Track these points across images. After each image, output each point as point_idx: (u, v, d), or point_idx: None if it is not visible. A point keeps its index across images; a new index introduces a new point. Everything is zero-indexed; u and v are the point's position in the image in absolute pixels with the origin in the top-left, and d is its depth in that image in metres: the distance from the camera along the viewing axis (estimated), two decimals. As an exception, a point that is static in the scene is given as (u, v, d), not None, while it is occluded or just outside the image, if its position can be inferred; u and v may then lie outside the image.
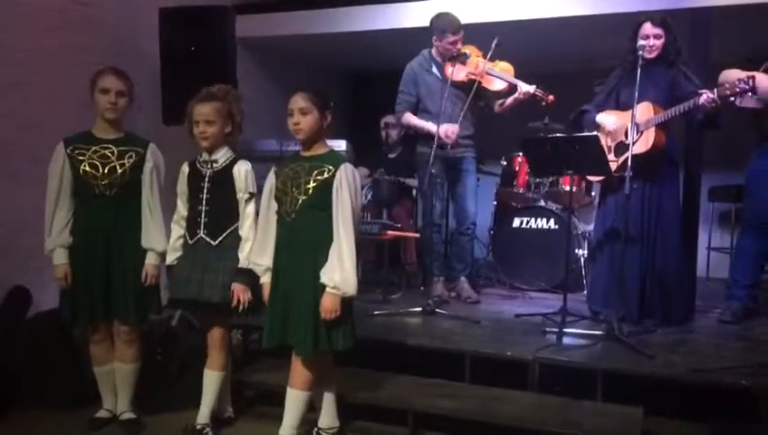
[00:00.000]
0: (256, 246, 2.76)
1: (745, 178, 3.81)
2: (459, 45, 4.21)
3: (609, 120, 3.75)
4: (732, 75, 3.51)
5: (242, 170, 2.85)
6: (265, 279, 2.73)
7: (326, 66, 6.53)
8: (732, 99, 3.36)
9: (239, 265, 2.79)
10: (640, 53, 3.53)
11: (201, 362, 2.96)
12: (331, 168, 2.60)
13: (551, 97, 4.10)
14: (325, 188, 2.58)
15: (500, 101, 4.32)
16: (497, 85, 4.22)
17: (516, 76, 4.24)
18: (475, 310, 4.17)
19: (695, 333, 3.66)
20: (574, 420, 2.79)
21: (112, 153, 2.93)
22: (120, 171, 2.92)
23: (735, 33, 3.88)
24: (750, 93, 3.29)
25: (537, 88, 4.12)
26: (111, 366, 3.04)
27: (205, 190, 2.85)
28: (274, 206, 2.70)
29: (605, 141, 3.70)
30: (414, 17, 4.80)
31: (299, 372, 2.65)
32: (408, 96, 4.32)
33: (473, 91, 4.07)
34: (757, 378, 2.82)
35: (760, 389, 2.78)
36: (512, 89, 4.20)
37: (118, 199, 2.93)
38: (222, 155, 2.88)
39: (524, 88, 4.13)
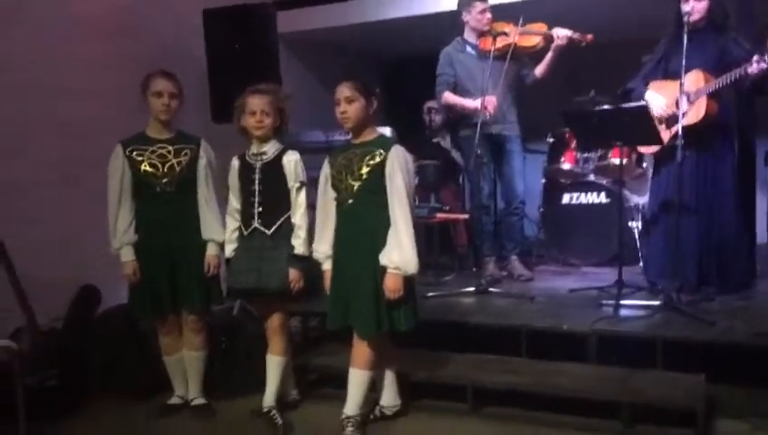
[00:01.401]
0: (317, 233, 2.85)
1: None
2: (489, 15, 4.20)
3: (656, 99, 3.66)
4: None
5: (291, 160, 2.95)
6: (326, 266, 2.82)
7: (365, 56, 6.58)
8: None
9: (294, 252, 2.89)
10: (685, 19, 3.45)
11: (263, 348, 3.07)
12: (382, 151, 2.66)
13: (589, 36, 4.01)
14: (378, 171, 2.64)
15: (540, 65, 4.26)
16: (533, 40, 4.15)
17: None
18: (529, 287, 4.18)
19: (756, 299, 3.60)
20: (636, 389, 2.80)
21: (169, 152, 3.06)
22: (177, 169, 3.05)
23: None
24: None
25: (574, 31, 4.05)
26: (181, 355, 3.19)
27: (257, 182, 2.95)
28: (332, 194, 2.79)
29: (655, 117, 3.63)
30: (446, 1, 4.79)
31: (361, 352, 2.73)
32: (446, 77, 4.33)
33: (509, 54, 4.00)
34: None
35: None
36: (548, 41, 4.13)
37: (176, 196, 3.06)
38: (271, 147, 2.98)
39: (561, 33, 4.05)
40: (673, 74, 3.64)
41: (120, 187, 3.04)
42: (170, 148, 3.07)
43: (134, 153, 3.05)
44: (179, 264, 3.07)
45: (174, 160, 3.05)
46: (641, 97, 3.73)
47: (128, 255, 3.04)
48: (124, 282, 3.10)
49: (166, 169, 3.03)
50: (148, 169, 3.03)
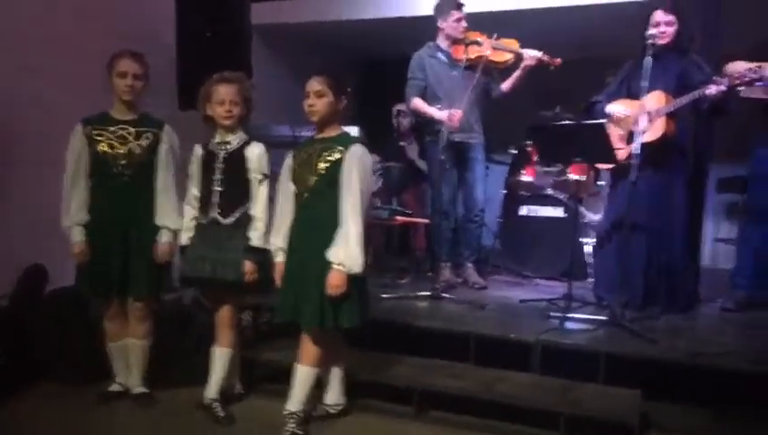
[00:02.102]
0: (273, 226, 2.85)
1: (749, 168, 3.82)
2: (465, 24, 4.26)
3: (618, 109, 3.77)
4: (738, 67, 3.53)
5: (255, 152, 2.94)
6: (279, 258, 2.82)
7: (338, 53, 6.58)
8: (739, 88, 3.38)
9: (251, 244, 2.88)
10: (650, 41, 3.54)
11: (211, 340, 3.05)
12: (341, 148, 2.67)
13: (557, 60, 4.14)
14: (336, 168, 2.65)
15: (507, 81, 4.34)
16: (504, 56, 4.25)
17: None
18: (482, 295, 4.23)
19: (697, 320, 3.71)
20: (575, 400, 2.86)
21: (130, 134, 3.02)
22: (137, 152, 3.01)
23: (745, 23, 3.88)
24: (758, 83, 3.31)
25: (544, 53, 4.15)
26: (125, 342, 3.14)
27: (218, 171, 2.93)
28: (292, 187, 2.79)
29: (616, 130, 3.73)
30: (425, 5, 4.83)
31: (307, 348, 2.73)
32: (417, 81, 4.36)
33: (480, 66, 4.10)
34: (757, 363, 2.86)
35: (759, 374, 2.82)
36: (518, 59, 4.23)
37: (134, 179, 3.02)
38: (236, 137, 2.96)
39: (531, 53, 4.17)
40: (635, 95, 3.73)
41: (75, 165, 3.00)
42: (132, 130, 3.03)
43: (94, 132, 3.00)
44: (130, 248, 3.02)
45: (134, 143, 3.01)
46: (603, 110, 3.81)
47: (77, 235, 2.99)
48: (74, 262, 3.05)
49: (124, 151, 2.99)
50: (106, 149, 2.98)
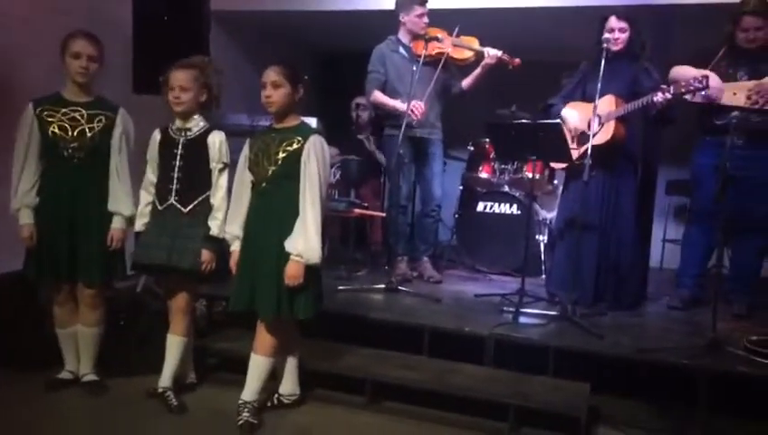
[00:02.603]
0: (229, 214, 2.82)
1: (690, 172, 3.96)
2: (426, 20, 4.28)
3: (572, 115, 3.84)
4: (683, 72, 3.65)
5: (216, 140, 2.91)
6: (235, 247, 2.80)
7: (299, 45, 6.55)
8: (685, 96, 3.50)
9: (210, 233, 2.85)
10: (605, 45, 3.64)
11: (164, 328, 3.01)
12: (300, 139, 2.67)
13: (517, 60, 4.19)
14: (294, 158, 2.65)
15: (467, 78, 4.39)
16: (465, 54, 4.28)
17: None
18: (437, 289, 4.27)
19: (644, 318, 3.83)
20: (525, 393, 2.93)
21: (82, 116, 2.95)
22: (89, 135, 2.94)
23: (696, 30, 4.02)
24: (702, 92, 3.42)
25: (504, 53, 4.21)
26: (75, 329, 3.07)
27: (178, 158, 2.89)
28: (248, 176, 2.77)
29: (568, 132, 3.82)
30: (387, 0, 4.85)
31: (263, 338, 2.73)
32: (377, 74, 4.36)
33: (441, 62, 4.13)
34: (698, 359, 2.98)
35: (700, 369, 2.93)
36: (478, 57, 4.27)
37: (86, 163, 2.95)
38: (195, 124, 2.92)
39: (492, 52, 4.20)
40: (590, 97, 3.82)
41: (26, 147, 2.92)
42: (84, 112, 2.96)
43: (44, 114, 2.93)
44: (81, 233, 2.96)
45: (86, 126, 2.94)
46: (558, 113, 3.90)
47: (25, 217, 2.92)
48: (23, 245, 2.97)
49: (75, 134, 2.92)
50: (56, 131, 2.91)
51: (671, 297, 4.07)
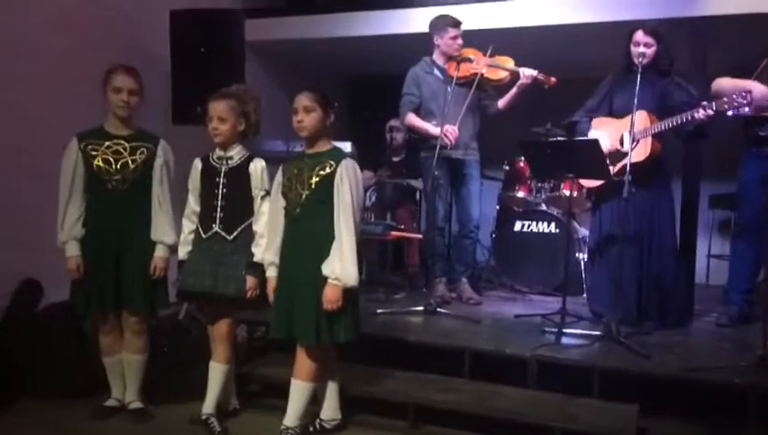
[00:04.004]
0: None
1: (737, 184, 3.87)
2: (460, 41, 4.29)
3: (600, 136, 3.72)
4: (725, 84, 3.58)
5: (258, 168, 2.95)
6: (271, 273, 2.82)
7: (330, 70, 6.63)
8: (728, 112, 3.42)
9: (253, 260, 2.88)
10: (640, 60, 3.60)
11: (207, 354, 3.04)
12: (332, 163, 2.69)
13: (553, 79, 4.15)
14: (327, 182, 2.67)
15: (503, 98, 4.36)
16: (500, 74, 4.26)
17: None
18: (476, 310, 4.23)
19: (691, 336, 3.73)
20: (571, 415, 2.86)
21: (125, 149, 3.03)
22: (132, 166, 3.01)
23: (734, 43, 3.96)
24: (746, 108, 3.34)
25: (540, 72, 4.17)
26: (120, 356, 3.13)
27: (221, 186, 2.93)
28: (282, 202, 2.80)
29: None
30: (417, 23, 4.88)
31: (303, 363, 2.73)
32: (411, 97, 4.39)
33: (475, 83, 4.12)
34: (749, 377, 2.88)
35: (751, 387, 2.83)
36: (514, 77, 4.25)
37: (129, 194, 3.02)
38: (237, 152, 2.97)
39: (527, 72, 4.17)
40: (617, 112, 3.79)
41: (71, 180, 3.00)
42: (126, 145, 3.04)
43: (89, 147, 3.01)
44: (126, 263, 3.02)
45: (129, 158, 3.02)
46: (585, 132, 3.85)
47: (72, 249, 2.99)
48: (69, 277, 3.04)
49: (119, 166, 3.00)
50: (101, 164, 2.99)
51: (719, 314, 3.96)
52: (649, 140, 3.63)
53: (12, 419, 3.09)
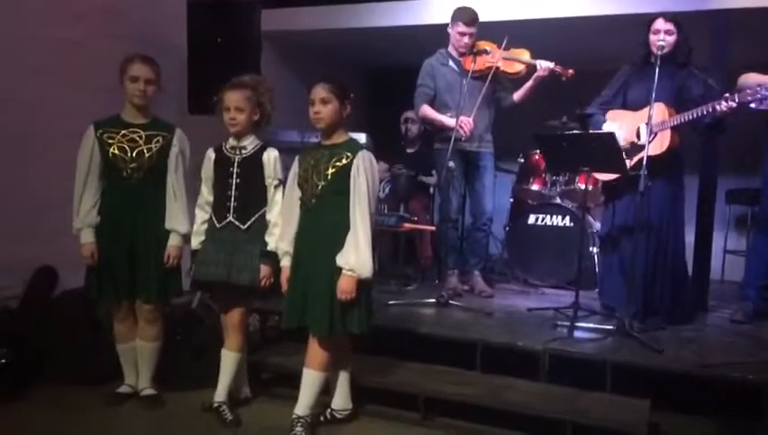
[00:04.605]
0: (279, 230, 2.85)
1: (761, 178, 3.81)
2: (467, 39, 4.23)
3: (614, 128, 3.68)
4: (751, 79, 3.52)
5: (271, 157, 2.95)
6: (285, 263, 2.83)
7: (346, 61, 6.62)
8: (751, 104, 3.36)
9: (267, 249, 2.89)
10: (658, 52, 3.54)
11: (219, 343, 3.06)
12: (349, 154, 2.69)
13: (570, 71, 4.10)
14: (343, 173, 2.67)
15: (519, 91, 4.33)
16: (516, 67, 4.22)
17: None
18: (489, 303, 4.23)
19: (705, 331, 3.70)
20: (582, 409, 2.86)
21: (140, 137, 3.04)
22: (147, 155, 3.03)
23: (756, 37, 3.89)
24: None
25: (556, 64, 4.12)
26: (134, 344, 3.16)
27: (234, 176, 2.94)
28: (297, 192, 2.80)
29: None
30: (435, 13, 4.86)
31: (315, 353, 2.74)
32: (426, 88, 4.36)
33: (490, 76, 4.09)
34: (763, 374, 2.86)
35: (765, 384, 2.81)
36: (530, 70, 4.20)
37: (144, 182, 3.04)
38: (250, 142, 2.98)
39: (544, 64, 4.12)
40: (632, 104, 3.72)
41: (87, 168, 3.02)
42: (142, 133, 3.05)
43: (105, 135, 3.03)
44: (140, 251, 3.05)
45: (144, 147, 3.04)
46: (600, 125, 3.80)
47: (87, 236, 3.01)
48: (83, 264, 3.06)
49: (134, 155, 3.02)
50: (116, 152, 3.01)
51: (734, 310, 3.93)
52: (668, 132, 3.58)
53: (26, 403, 3.13)
